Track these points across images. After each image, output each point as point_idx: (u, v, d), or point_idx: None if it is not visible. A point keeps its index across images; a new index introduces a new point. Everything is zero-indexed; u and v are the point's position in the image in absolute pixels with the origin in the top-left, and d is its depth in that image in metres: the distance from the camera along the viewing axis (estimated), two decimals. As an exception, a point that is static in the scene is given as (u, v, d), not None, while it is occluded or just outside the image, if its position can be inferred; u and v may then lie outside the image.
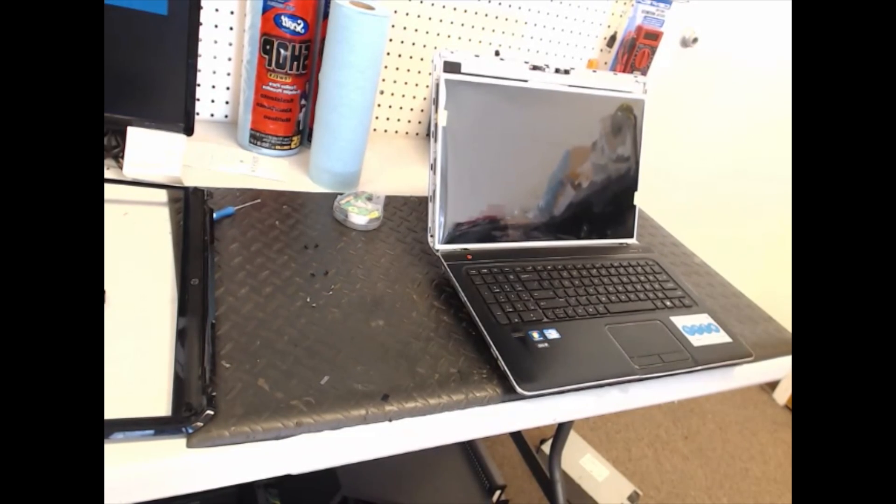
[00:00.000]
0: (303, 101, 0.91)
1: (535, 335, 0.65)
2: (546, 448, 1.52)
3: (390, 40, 1.03)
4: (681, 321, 0.76)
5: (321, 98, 0.83)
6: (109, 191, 0.71)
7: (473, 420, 0.59)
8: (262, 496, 0.99)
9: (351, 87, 0.80)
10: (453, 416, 0.58)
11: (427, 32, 1.05)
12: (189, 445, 0.46)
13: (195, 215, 0.69)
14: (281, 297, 0.63)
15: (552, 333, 0.67)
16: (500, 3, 1.08)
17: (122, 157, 0.74)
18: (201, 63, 0.92)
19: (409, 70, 1.08)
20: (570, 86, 0.82)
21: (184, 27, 0.71)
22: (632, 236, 0.91)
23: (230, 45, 0.92)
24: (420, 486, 1.09)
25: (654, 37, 1.17)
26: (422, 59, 1.08)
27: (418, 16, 1.03)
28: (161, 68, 0.73)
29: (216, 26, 0.90)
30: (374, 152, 1.04)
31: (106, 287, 0.57)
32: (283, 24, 0.82)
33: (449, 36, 1.08)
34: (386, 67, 1.06)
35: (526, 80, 0.79)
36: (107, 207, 0.68)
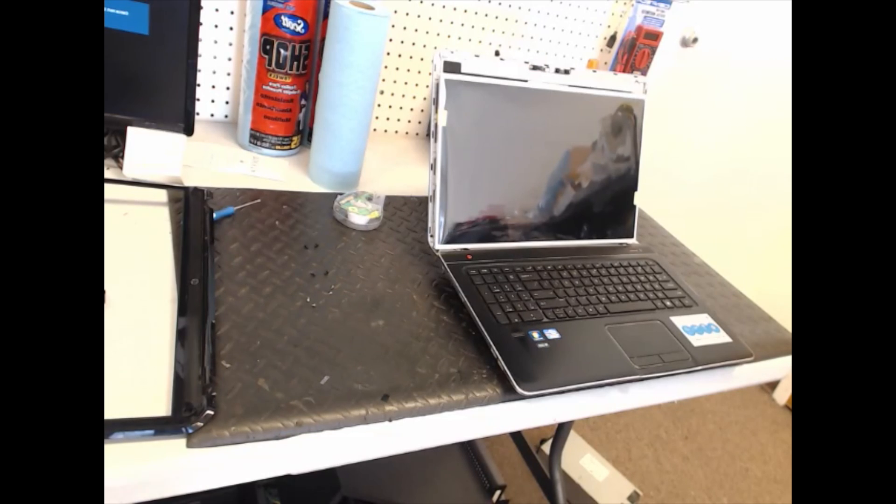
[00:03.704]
0: (303, 101, 0.91)
1: (535, 335, 0.65)
2: (546, 448, 1.52)
3: (390, 40, 1.03)
4: (681, 321, 0.76)
5: (321, 98, 0.83)
6: (109, 191, 0.71)
7: (473, 420, 0.59)
8: (262, 496, 0.99)
9: (351, 87, 0.80)
10: (453, 416, 0.58)
11: (427, 32, 1.05)
12: (189, 445, 0.46)
13: (195, 215, 0.69)
14: (281, 297, 0.63)
15: (552, 333, 0.67)
16: (500, 3, 1.08)
17: (122, 157, 0.74)
18: (201, 63, 0.92)
19: (409, 70, 1.08)
20: (570, 86, 0.82)
21: (180, 36, 0.72)
22: (632, 236, 0.91)
23: (230, 45, 0.92)
24: (420, 486, 1.09)
25: (654, 37, 1.17)
26: (422, 59, 1.08)
27: (418, 16, 1.03)
28: (161, 68, 0.73)
29: (216, 26, 0.90)
30: (374, 152, 1.04)
31: (106, 287, 0.57)
32: (283, 24, 0.82)
33: (449, 36, 1.08)
34: (386, 67, 1.06)
35: (526, 80, 0.79)
36: (107, 207, 0.68)
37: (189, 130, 0.78)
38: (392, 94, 1.09)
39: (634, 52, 1.17)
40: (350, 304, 0.65)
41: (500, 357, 0.61)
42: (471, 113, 0.75)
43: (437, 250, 0.74)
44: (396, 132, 1.14)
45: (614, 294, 0.77)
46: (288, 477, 0.53)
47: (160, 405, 0.48)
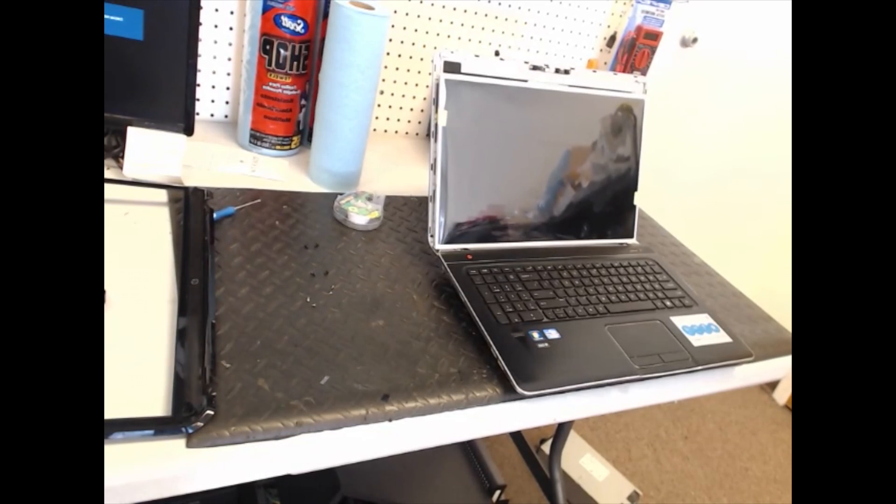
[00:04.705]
0: (303, 101, 0.91)
1: (535, 335, 0.65)
2: (546, 448, 1.52)
3: (390, 40, 1.03)
4: (681, 321, 0.76)
5: (321, 98, 0.83)
6: (109, 191, 0.71)
7: (473, 420, 0.59)
8: (262, 496, 0.99)
9: (351, 87, 0.80)
10: (453, 416, 0.58)
11: (427, 32, 1.05)
12: (189, 445, 0.46)
13: (195, 215, 0.69)
14: (281, 297, 0.63)
15: (552, 333, 0.67)
16: (500, 3, 1.08)
17: (122, 157, 0.74)
18: (201, 63, 0.92)
19: (409, 70, 1.08)
20: (570, 86, 0.82)
21: (179, 37, 0.72)
22: (632, 236, 0.91)
23: (230, 45, 0.92)
24: (420, 486, 1.09)
25: (654, 37, 1.17)
26: (422, 59, 1.08)
27: (418, 16, 1.03)
28: (159, 70, 0.73)
29: (216, 26, 0.90)
30: (374, 152, 1.04)
31: (106, 287, 0.57)
32: (283, 24, 0.82)
33: (449, 36, 1.08)
34: (386, 67, 1.06)
35: (526, 80, 0.79)
36: (107, 207, 0.68)
37: (189, 130, 0.78)
38: (392, 94, 1.09)
39: (634, 52, 1.17)
40: (350, 304, 0.65)
41: (500, 357, 0.61)
42: (471, 113, 0.75)
43: (438, 250, 0.74)
44: (396, 132, 1.14)
45: (614, 294, 0.77)
46: (288, 477, 0.53)
47: (160, 405, 0.48)
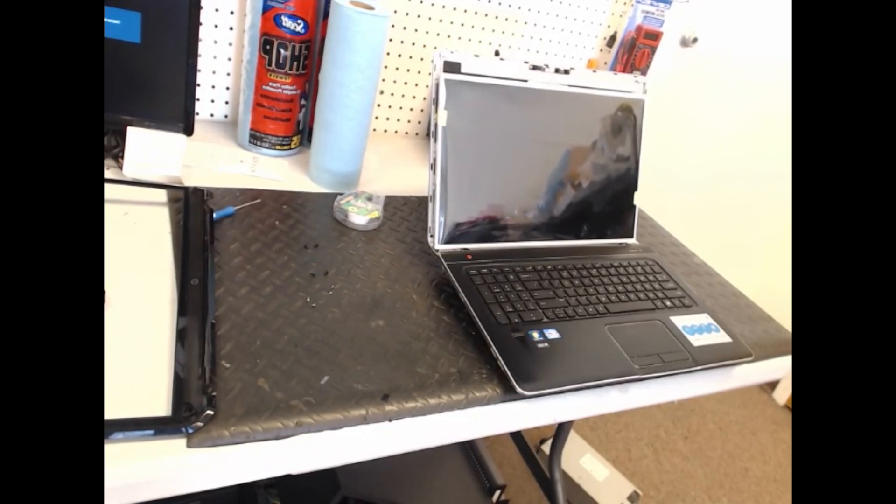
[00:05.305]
0: (303, 101, 0.91)
1: (535, 335, 0.65)
2: (546, 448, 1.52)
3: (390, 40, 1.03)
4: (681, 321, 0.76)
5: (321, 98, 0.83)
6: (109, 191, 0.71)
7: (473, 420, 0.59)
8: (262, 496, 0.99)
9: (351, 87, 0.80)
10: (453, 416, 0.58)
11: (427, 32, 1.05)
12: (189, 445, 0.46)
13: (195, 215, 0.69)
14: (281, 297, 0.63)
15: (552, 333, 0.67)
16: (500, 3, 1.08)
17: (122, 157, 0.74)
18: (201, 63, 0.92)
19: (409, 70, 1.08)
20: (570, 86, 0.82)
21: (179, 38, 0.72)
22: (632, 236, 0.91)
23: (230, 45, 0.92)
24: (420, 486, 1.09)
25: (654, 37, 1.17)
26: (422, 59, 1.08)
27: (418, 16, 1.03)
28: (158, 71, 0.73)
29: (216, 26, 0.90)
30: (374, 152, 1.04)
31: (106, 287, 0.57)
32: (283, 24, 0.82)
33: (449, 36, 1.08)
34: (386, 67, 1.06)
35: (526, 80, 0.79)
36: (107, 207, 0.68)
37: (189, 130, 0.78)
38: (392, 94, 1.09)
39: (634, 51, 1.17)
40: (350, 304, 0.65)
41: (500, 357, 0.61)
42: (471, 113, 0.75)
43: (437, 250, 0.74)
44: (396, 132, 1.14)
45: (614, 294, 0.77)
46: (288, 477, 0.53)
47: (160, 405, 0.48)
